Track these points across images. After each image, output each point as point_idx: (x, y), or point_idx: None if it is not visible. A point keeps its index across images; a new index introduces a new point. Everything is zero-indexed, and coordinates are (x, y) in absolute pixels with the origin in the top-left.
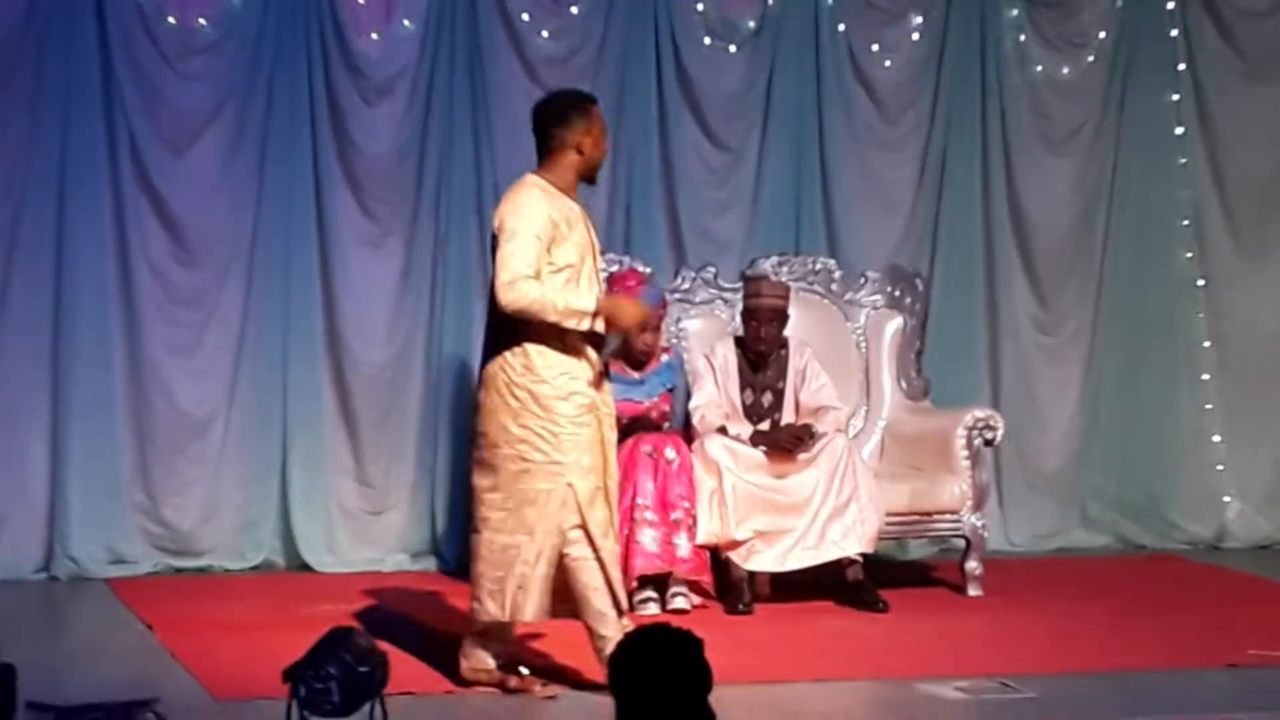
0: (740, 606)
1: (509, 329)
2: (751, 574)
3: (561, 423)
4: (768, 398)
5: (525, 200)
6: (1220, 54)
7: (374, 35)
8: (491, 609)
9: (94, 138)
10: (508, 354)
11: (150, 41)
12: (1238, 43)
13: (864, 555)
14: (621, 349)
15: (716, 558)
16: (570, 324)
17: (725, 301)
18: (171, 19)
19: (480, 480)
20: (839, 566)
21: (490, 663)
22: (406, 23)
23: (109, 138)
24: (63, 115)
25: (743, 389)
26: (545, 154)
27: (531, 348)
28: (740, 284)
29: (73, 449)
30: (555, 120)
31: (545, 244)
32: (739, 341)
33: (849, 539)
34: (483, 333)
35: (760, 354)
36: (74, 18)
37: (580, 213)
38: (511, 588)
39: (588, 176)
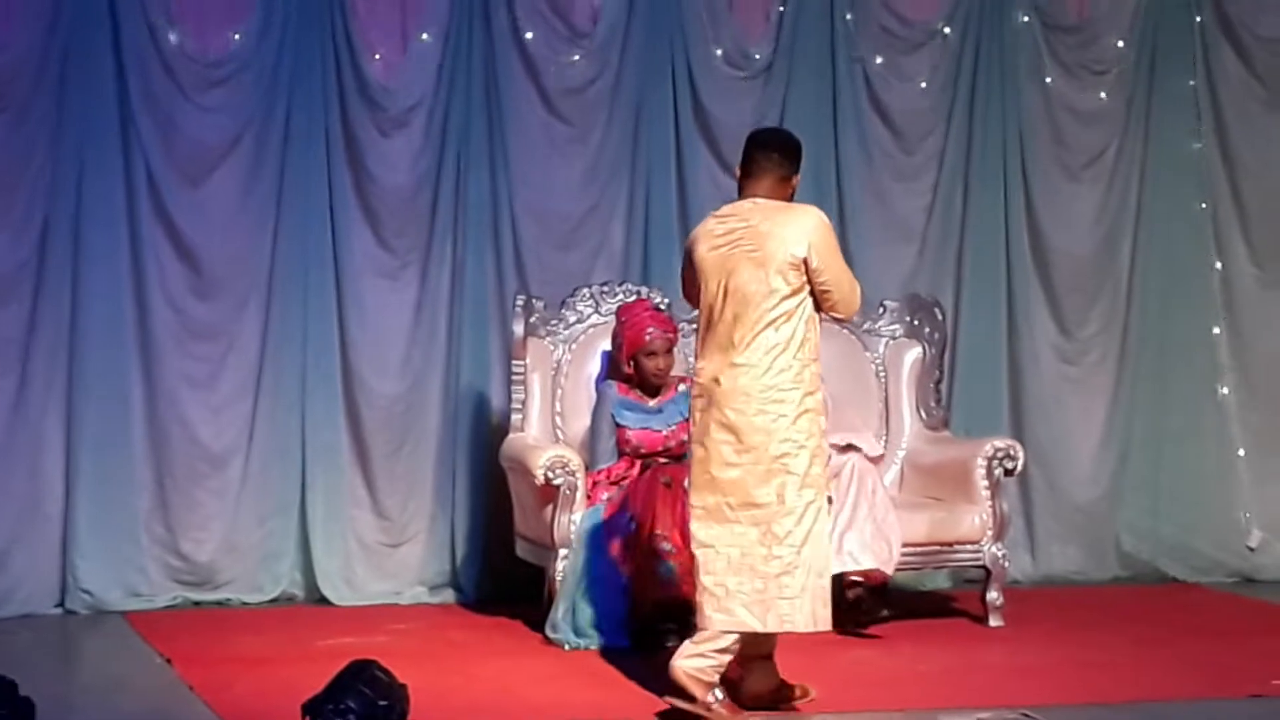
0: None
1: (793, 343)
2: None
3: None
4: None
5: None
6: (1241, 80)
7: (390, 66)
8: None
9: (111, 170)
10: (794, 370)
11: (167, 74)
12: (1258, 69)
13: (870, 583)
14: (635, 375)
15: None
16: None
17: None
18: (188, 52)
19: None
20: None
21: None
22: (422, 55)
23: (125, 170)
24: (79, 147)
25: None
26: (763, 178)
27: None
28: None
29: (89, 483)
30: (795, 154)
31: None
32: None
33: (864, 554)
34: (715, 353)
35: None
36: (91, 50)
37: None
38: None
39: None
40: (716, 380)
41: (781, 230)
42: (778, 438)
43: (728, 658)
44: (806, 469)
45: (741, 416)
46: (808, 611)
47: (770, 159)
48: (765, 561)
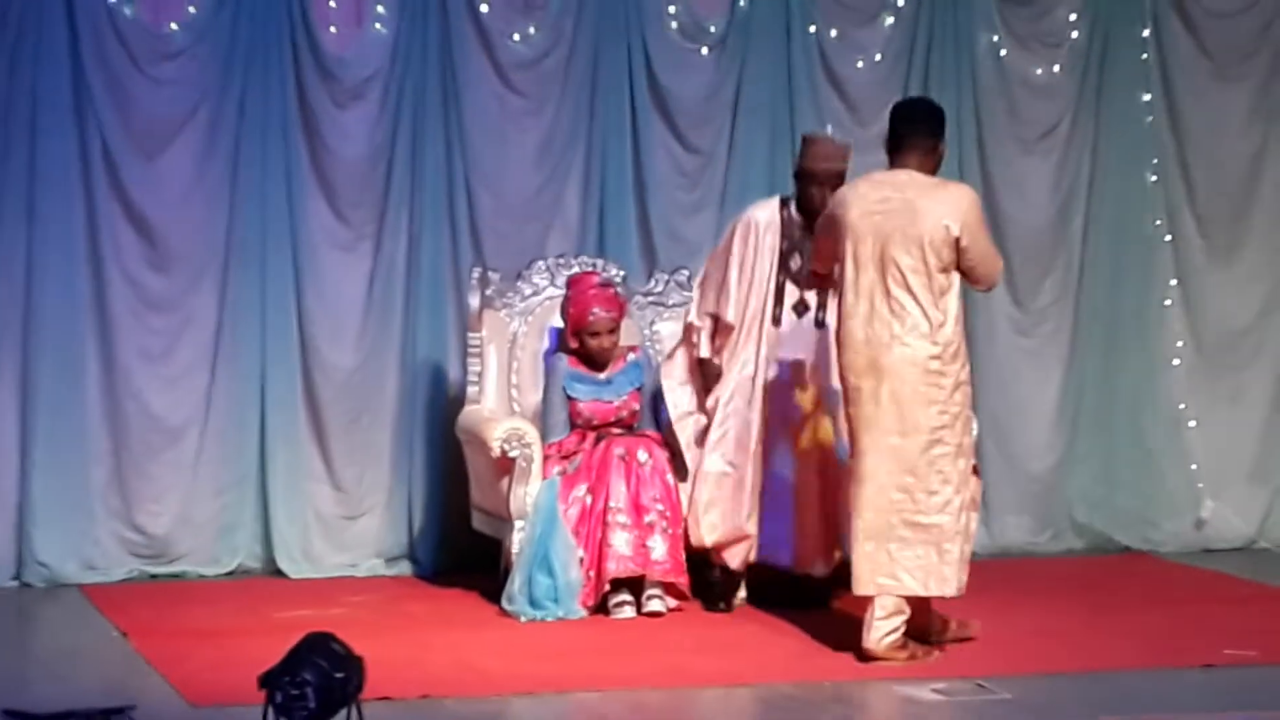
0: (721, 605)
1: (949, 317)
2: (727, 572)
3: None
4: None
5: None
6: (1190, 53)
7: (345, 39)
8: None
9: (65, 143)
10: (953, 344)
11: (121, 46)
12: (1206, 43)
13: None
14: (580, 351)
15: (692, 560)
16: None
17: None
18: (143, 23)
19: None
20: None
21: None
22: (378, 26)
23: (80, 143)
24: (32, 121)
25: (789, 253)
26: (912, 150)
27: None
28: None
29: (45, 455)
30: (939, 123)
31: None
32: (785, 202)
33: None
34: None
35: (816, 215)
36: (44, 22)
37: None
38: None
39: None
40: (877, 352)
41: (936, 206)
42: (936, 409)
43: (902, 618)
44: (960, 440)
45: (905, 387)
46: (965, 579)
47: (916, 131)
48: (925, 530)
